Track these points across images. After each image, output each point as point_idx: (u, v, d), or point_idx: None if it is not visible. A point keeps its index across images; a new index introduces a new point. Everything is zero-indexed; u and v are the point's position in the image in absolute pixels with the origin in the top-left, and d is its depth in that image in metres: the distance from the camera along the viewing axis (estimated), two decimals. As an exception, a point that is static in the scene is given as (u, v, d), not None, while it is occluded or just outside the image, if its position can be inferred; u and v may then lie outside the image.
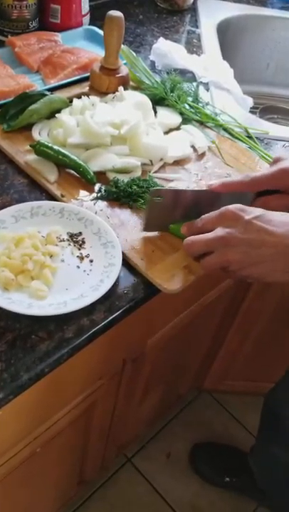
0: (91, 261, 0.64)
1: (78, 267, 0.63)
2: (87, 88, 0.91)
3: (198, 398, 1.54)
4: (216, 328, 1.16)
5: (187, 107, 0.91)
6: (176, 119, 0.88)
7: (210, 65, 1.04)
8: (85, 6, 1.08)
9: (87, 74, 0.92)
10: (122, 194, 0.73)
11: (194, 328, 1.01)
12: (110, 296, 0.61)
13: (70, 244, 0.66)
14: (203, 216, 0.61)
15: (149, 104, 0.86)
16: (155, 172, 0.79)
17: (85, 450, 1.01)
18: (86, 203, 0.72)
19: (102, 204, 0.72)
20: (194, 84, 0.98)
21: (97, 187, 0.75)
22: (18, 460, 0.74)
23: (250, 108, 1.02)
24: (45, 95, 0.82)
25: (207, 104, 0.94)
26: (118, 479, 1.35)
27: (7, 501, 0.86)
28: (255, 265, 0.56)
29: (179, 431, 1.47)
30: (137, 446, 1.41)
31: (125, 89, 0.88)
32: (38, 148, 0.75)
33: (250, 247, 0.55)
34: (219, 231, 0.57)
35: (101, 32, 0.99)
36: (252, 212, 0.57)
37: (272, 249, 0.55)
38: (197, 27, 1.25)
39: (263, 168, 0.83)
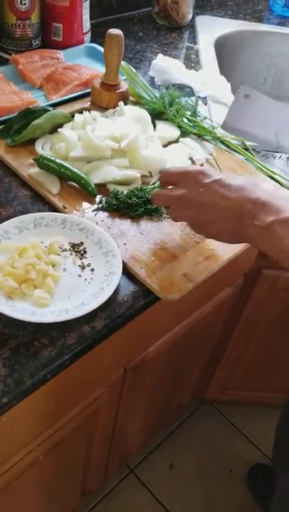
0: (92, 270, 0.66)
1: (80, 275, 0.65)
2: (89, 103, 0.93)
3: (200, 408, 1.54)
4: (217, 338, 1.17)
5: (185, 120, 0.94)
6: (174, 132, 0.90)
7: (208, 79, 1.06)
8: (86, 25, 1.12)
9: (89, 90, 0.94)
10: (122, 205, 0.75)
11: (195, 337, 1.02)
12: (111, 304, 0.63)
13: (71, 254, 0.68)
14: (170, 169, 0.67)
15: (149, 118, 0.89)
16: (154, 183, 0.81)
17: (88, 460, 1.02)
18: (87, 214, 0.74)
19: (102, 215, 0.74)
20: (192, 98, 1.01)
21: (98, 198, 0.77)
22: (21, 468, 0.75)
23: (248, 121, 1.05)
24: (48, 111, 0.84)
25: (205, 118, 0.96)
26: (121, 490, 1.35)
27: (9, 511, 0.87)
28: (207, 224, 0.62)
29: (181, 442, 1.47)
30: (140, 457, 1.41)
31: (125, 104, 0.91)
32: (41, 162, 0.77)
33: (203, 208, 0.61)
34: (179, 190, 0.63)
35: (102, 49, 1.02)
36: (211, 176, 0.61)
37: (223, 211, 0.59)
38: (195, 43, 1.28)
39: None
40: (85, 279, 0.65)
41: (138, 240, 0.71)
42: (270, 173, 0.88)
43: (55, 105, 0.90)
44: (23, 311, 0.59)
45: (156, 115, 0.93)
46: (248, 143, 0.88)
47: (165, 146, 0.88)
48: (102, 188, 0.78)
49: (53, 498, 1.01)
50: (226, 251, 0.72)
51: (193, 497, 1.36)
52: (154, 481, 1.38)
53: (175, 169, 0.65)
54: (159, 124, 0.92)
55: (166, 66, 1.06)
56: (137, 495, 1.35)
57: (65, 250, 0.68)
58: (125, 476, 1.38)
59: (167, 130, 0.90)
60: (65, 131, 0.83)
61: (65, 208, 0.74)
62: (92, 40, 1.15)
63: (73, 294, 0.63)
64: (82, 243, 0.69)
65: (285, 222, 0.55)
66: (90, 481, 1.11)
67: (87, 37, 1.14)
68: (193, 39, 1.30)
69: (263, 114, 0.71)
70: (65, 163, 0.77)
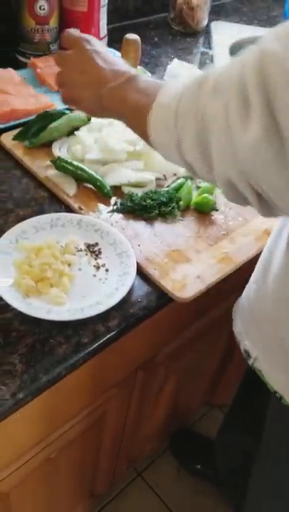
0: (107, 270, 0.67)
1: (94, 275, 0.66)
2: (105, 107, 0.95)
3: (208, 413, 1.54)
4: (226, 341, 1.17)
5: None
6: (189, 136, 0.91)
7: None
8: (103, 30, 1.13)
9: (105, 93, 0.96)
10: (136, 207, 0.76)
11: (206, 340, 1.03)
12: (125, 304, 0.64)
13: (87, 254, 0.69)
14: (69, 32, 0.67)
15: (164, 122, 0.90)
16: (168, 186, 0.82)
17: (96, 463, 1.02)
18: (102, 215, 0.75)
19: (117, 216, 0.75)
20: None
21: (113, 200, 0.78)
22: (31, 467, 0.76)
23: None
24: (65, 114, 0.86)
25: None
26: (128, 494, 1.35)
27: (18, 510, 0.87)
28: (75, 88, 0.64)
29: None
30: (148, 460, 1.41)
31: (141, 108, 0.92)
32: (58, 164, 0.78)
33: (76, 72, 0.63)
34: (65, 52, 0.66)
35: (118, 54, 1.03)
36: (94, 45, 0.64)
37: (90, 77, 0.61)
38: (210, 48, 1.29)
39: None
40: (100, 279, 0.66)
41: (152, 241, 0.72)
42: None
43: (71, 108, 0.92)
44: (39, 308, 0.60)
45: (172, 119, 0.93)
46: None
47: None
48: (117, 190, 0.79)
49: (61, 500, 1.02)
50: (239, 254, 0.72)
51: (201, 501, 1.36)
52: (162, 485, 1.38)
53: (71, 34, 0.66)
54: (174, 128, 0.92)
55: (181, 71, 1.07)
56: (145, 498, 1.35)
57: (81, 250, 0.69)
58: (133, 479, 1.38)
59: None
60: (82, 133, 0.84)
61: (81, 209, 0.76)
62: (109, 45, 1.17)
63: (88, 294, 0.64)
64: (97, 244, 0.70)
65: (131, 80, 0.58)
66: (98, 483, 1.12)
67: (104, 42, 1.15)
68: (208, 44, 1.31)
69: None
70: (81, 165, 0.78)
